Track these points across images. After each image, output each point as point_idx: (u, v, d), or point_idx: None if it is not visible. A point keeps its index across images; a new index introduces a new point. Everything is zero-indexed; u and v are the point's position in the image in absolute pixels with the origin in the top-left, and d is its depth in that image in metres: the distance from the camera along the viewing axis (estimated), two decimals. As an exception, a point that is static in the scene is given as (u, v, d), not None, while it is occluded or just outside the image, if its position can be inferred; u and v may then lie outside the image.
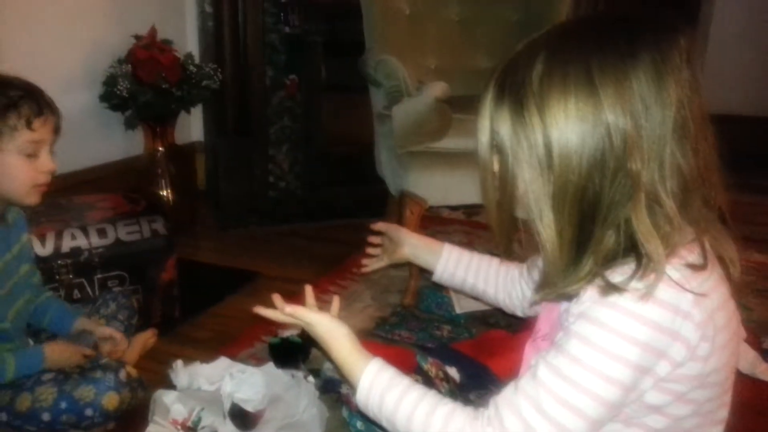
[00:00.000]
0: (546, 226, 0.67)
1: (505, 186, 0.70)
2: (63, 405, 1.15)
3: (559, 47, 0.67)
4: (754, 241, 2.10)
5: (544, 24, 0.75)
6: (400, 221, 1.81)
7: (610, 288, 0.65)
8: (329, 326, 0.86)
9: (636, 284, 0.64)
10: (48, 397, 1.16)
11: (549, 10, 2.15)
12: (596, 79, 0.63)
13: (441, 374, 1.25)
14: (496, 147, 0.70)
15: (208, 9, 2.44)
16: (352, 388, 0.83)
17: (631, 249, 0.65)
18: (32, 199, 1.18)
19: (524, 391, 0.70)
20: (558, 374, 0.67)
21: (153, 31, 2.18)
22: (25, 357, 1.21)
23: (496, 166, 0.71)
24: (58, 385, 1.17)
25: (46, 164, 1.16)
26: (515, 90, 0.67)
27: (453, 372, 1.29)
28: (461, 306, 1.80)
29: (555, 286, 0.70)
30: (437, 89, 1.68)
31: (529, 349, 0.85)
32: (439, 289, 1.88)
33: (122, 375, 1.20)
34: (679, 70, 0.64)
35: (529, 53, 0.68)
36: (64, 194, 1.83)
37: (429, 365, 1.25)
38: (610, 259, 0.66)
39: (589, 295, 0.68)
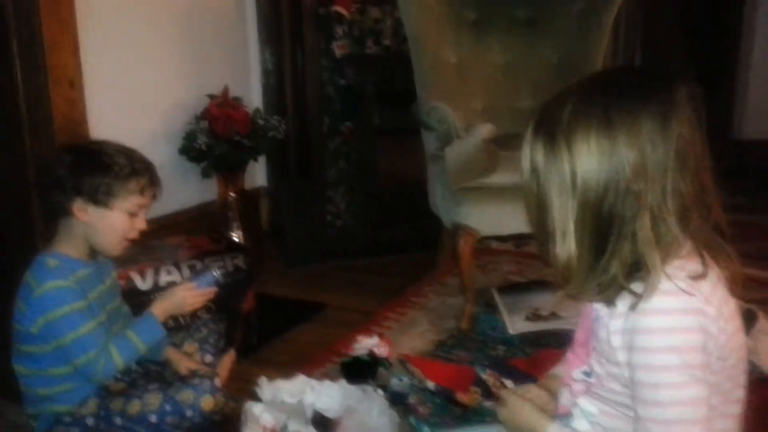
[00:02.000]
0: (569, 235, 0.82)
1: (539, 203, 0.86)
2: (168, 408, 1.34)
3: (586, 93, 0.84)
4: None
5: (582, 65, 0.91)
6: (454, 252, 1.97)
7: (636, 298, 0.78)
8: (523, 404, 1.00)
9: (648, 294, 0.77)
10: (155, 401, 1.34)
11: (587, 52, 2.28)
12: (614, 121, 0.79)
13: (498, 384, 1.39)
14: (534, 171, 0.86)
15: (271, 67, 2.70)
16: None
17: (640, 261, 0.79)
18: (118, 251, 1.39)
19: None
20: (653, 404, 0.79)
21: (225, 91, 2.43)
22: (141, 326, 1.39)
23: (534, 188, 0.87)
24: (163, 392, 1.36)
25: (141, 224, 1.38)
26: (549, 126, 0.84)
27: (509, 383, 1.43)
28: (515, 328, 1.92)
29: (580, 285, 0.84)
30: (484, 131, 1.85)
31: (570, 357, 0.99)
32: (493, 312, 2.02)
33: (216, 381, 1.39)
34: (682, 112, 0.79)
35: (562, 97, 0.85)
36: (154, 237, 2.06)
37: (487, 376, 1.40)
38: (630, 271, 0.80)
39: (621, 323, 0.80)
